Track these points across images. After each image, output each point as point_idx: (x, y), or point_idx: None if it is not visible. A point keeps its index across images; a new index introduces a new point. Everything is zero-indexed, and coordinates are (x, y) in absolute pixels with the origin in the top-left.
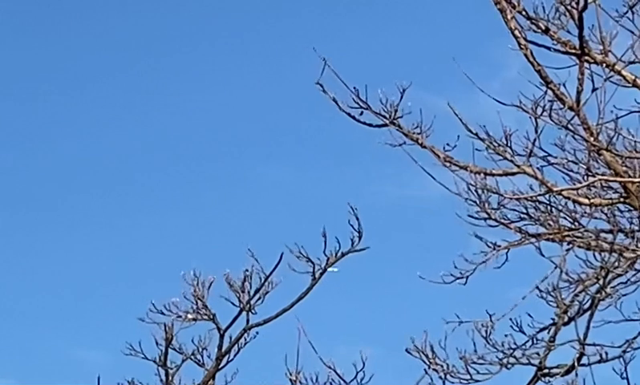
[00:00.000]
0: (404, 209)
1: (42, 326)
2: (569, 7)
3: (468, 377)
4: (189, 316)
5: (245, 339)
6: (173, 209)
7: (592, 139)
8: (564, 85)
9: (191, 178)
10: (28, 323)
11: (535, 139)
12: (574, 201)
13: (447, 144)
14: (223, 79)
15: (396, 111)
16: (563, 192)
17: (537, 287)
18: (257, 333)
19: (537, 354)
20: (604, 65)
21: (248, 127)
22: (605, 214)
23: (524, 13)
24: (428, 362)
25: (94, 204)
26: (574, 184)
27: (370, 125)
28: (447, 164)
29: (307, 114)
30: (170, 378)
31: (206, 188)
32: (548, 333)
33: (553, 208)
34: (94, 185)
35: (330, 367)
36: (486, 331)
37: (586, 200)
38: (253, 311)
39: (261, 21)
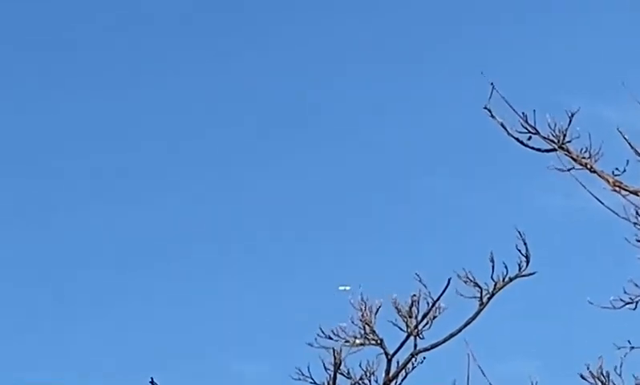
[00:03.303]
0: (572, 231)
1: (208, 340)
2: None
3: None
4: (357, 341)
5: (413, 364)
6: (342, 233)
7: None
8: None
9: (360, 201)
10: (195, 336)
11: None
12: None
13: (617, 169)
14: (393, 97)
15: (564, 135)
16: None
17: None
18: (425, 358)
19: None
20: None
21: (417, 145)
22: None
23: None
24: None
25: (263, 229)
26: None
27: (538, 150)
28: (617, 189)
29: (476, 135)
30: None
31: (374, 210)
32: None
33: None
34: (268, 210)
35: None
36: None
37: None
38: (420, 336)
39: (435, 47)
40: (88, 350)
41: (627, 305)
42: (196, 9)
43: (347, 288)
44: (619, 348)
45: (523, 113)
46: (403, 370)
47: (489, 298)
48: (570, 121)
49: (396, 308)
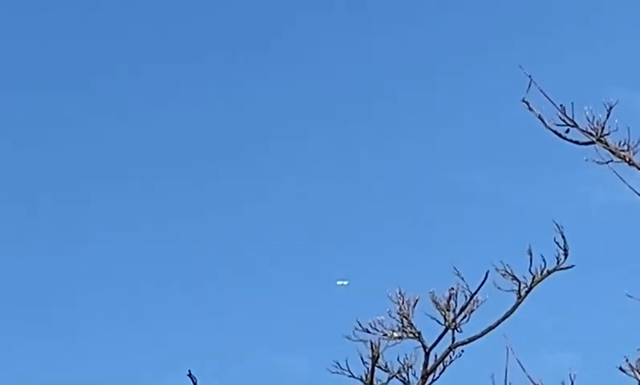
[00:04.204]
0: (610, 223)
1: (248, 334)
2: None
3: None
4: (395, 334)
5: (451, 358)
6: (381, 228)
7: None
8: None
9: (399, 197)
10: (235, 331)
11: None
12: None
13: None
14: (430, 92)
15: (603, 128)
16: None
17: None
18: (463, 351)
19: None
20: None
21: (455, 138)
22: None
23: None
24: None
25: (300, 229)
26: None
27: (576, 143)
28: None
29: (514, 128)
30: None
31: (413, 205)
32: None
33: None
34: (309, 211)
35: None
36: None
37: None
38: (458, 329)
39: (474, 42)
40: (128, 349)
41: None
42: None
43: (345, 283)
44: None
45: (561, 105)
46: (441, 364)
47: (527, 291)
48: (609, 113)
49: (434, 301)
